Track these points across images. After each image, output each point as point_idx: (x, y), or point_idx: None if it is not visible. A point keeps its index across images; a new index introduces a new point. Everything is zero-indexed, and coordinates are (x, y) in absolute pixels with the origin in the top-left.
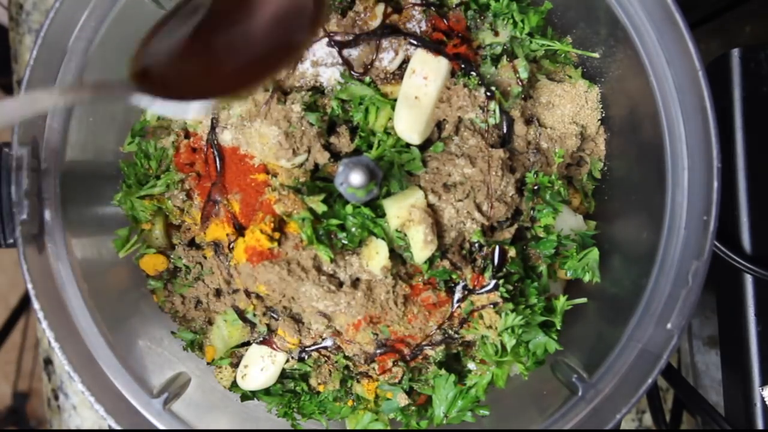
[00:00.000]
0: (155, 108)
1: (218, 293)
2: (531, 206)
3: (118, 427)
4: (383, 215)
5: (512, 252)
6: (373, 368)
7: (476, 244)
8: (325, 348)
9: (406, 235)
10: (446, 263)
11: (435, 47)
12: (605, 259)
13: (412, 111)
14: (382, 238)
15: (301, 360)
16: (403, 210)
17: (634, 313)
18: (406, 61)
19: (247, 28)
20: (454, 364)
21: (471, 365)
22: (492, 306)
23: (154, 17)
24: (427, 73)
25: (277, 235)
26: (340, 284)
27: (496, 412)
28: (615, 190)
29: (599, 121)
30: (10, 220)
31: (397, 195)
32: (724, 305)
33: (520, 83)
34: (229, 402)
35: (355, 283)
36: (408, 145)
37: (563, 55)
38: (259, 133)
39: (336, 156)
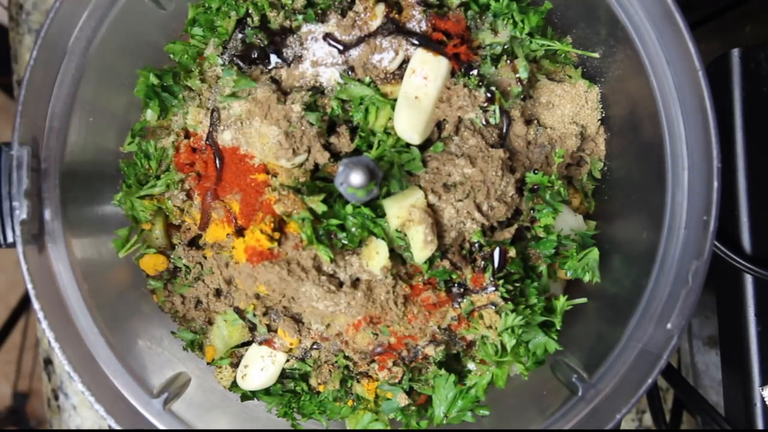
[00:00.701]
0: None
1: (218, 293)
2: (531, 206)
3: (118, 427)
4: (383, 215)
5: (512, 252)
6: (373, 368)
7: (476, 244)
8: (326, 348)
9: (406, 235)
10: (446, 263)
11: (435, 46)
12: (605, 259)
13: (412, 111)
14: (382, 238)
15: (301, 360)
16: (403, 210)
17: (634, 313)
18: (406, 61)
19: None
20: (454, 364)
21: (471, 365)
22: (492, 306)
23: (154, 17)
24: (427, 73)
25: (277, 235)
26: (340, 284)
27: (496, 412)
28: (615, 190)
29: (599, 121)
30: (10, 220)
31: (397, 195)
32: (724, 305)
33: (520, 83)
34: (229, 402)
35: (355, 283)
36: (408, 145)
37: (563, 55)
38: (259, 132)
39: (336, 156)
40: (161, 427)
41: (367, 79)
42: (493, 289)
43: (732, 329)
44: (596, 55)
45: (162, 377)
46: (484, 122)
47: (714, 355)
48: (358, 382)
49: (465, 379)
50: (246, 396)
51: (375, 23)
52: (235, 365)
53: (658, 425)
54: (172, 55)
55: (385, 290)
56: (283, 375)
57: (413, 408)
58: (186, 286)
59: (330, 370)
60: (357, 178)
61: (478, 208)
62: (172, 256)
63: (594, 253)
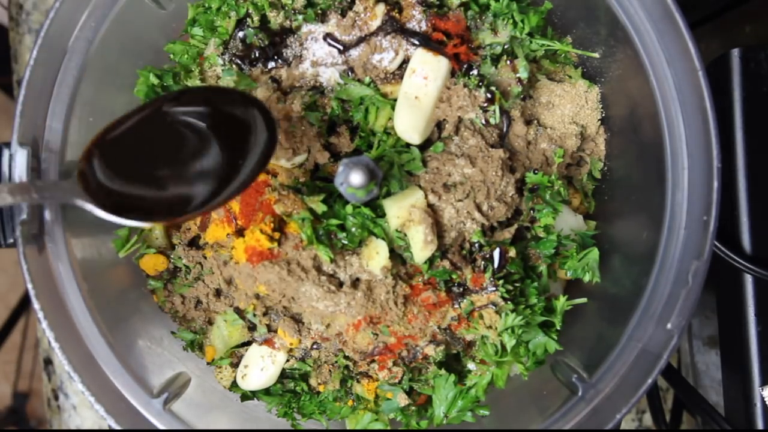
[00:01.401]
0: (96, 213)
1: (218, 293)
2: (531, 206)
3: (118, 427)
4: (383, 215)
5: (512, 252)
6: (373, 368)
7: (476, 244)
8: (326, 348)
9: (406, 235)
10: (446, 263)
11: (435, 46)
12: (605, 259)
13: (412, 111)
14: (382, 238)
15: (301, 360)
16: (403, 210)
17: (634, 313)
18: (406, 61)
19: (200, 163)
20: (454, 364)
21: (471, 365)
22: (492, 306)
23: (154, 17)
24: (427, 73)
25: (277, 235)
26: (340, 284)
27: (496, 412)
28: (615, 190)
29: (599, 121)
30: (10, 220)
31: (397, 195)
32: (724, 305)
33: (520, 83)
34: (229, 402)
35: (355, 283)
36: (408, 145)
37: (563, 55)
38: None
39: (336, 156)
40: (161, 427)
41: (367, 79)
42: (493, 289)
43: (732, 329)
44: (596, 55)
45: (162, 377)
46: (484, 122)
47: (714, 355)
48: (358, 382)
49: (465, 379)
50: (246, 396)
51: (375, 23)
52: (235, 365)
53: (658, 425)
54: (172, 55)
55: (385, 290)
56: (283, 375)
57: (413, 408)
58: (186, 286)
59: (330, 370)
60: (357, 178)
61: (478, 208)
62: (172, 256)
63: (594, 253)
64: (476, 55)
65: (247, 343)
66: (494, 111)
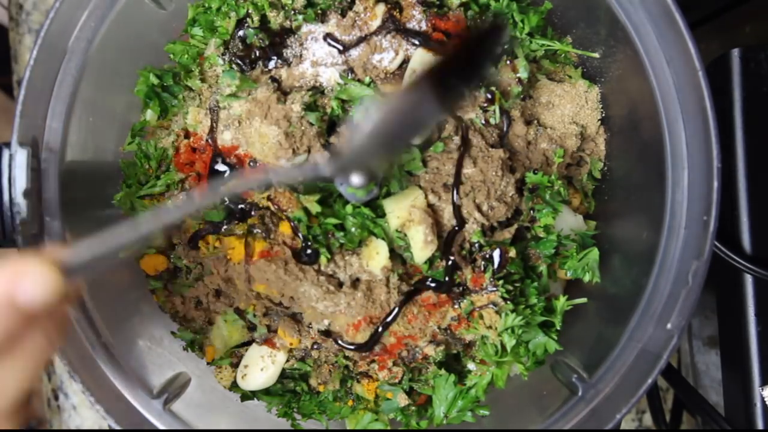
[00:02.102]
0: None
1: (218, 293)
2: (531, 206)
3: (118, 427)
4: (383, 215)
5: (512, 252)
6: (373, 368)
7: (476, 244)
8: (326, 348)
9: (406, 235)
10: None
11: (435, 46)
12: (605, 259)
13: None
14: (382, 238)
15: (301, 360)
16: (403, 210)
17: (634, 313)
18: (406, 61)
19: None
20: (454, 364)
21: (471, 365)
22: (492, 306)
23: (154, 17)
24: None
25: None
26: (340, 284)
27: (496, 412)
28: (615, 190)
29: (599, 121)
30: (10, 220)
31: (397, 195)
32: (724, 305)
33: (520, 83)
34: (229, 402)
35: (355, 283)
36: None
37: (563, 55)
38: (259, 132)
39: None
40: (161, 427)
41: (367, 79)
42: (493, 289)
43: (732, 329)
44: (596, 55)
45: (162, 377)
46: (484, 122)
47: (714, 355)
48: (358, 382)
49: (465, 379)
50: (246, 396)
51: (375, 23)
52: (235, 365)
53: (658, 425)
54: (172, 55)
55: (385, 290)
56: (283, 375)
57: (413, 408)
58: (186, 286)
59: (330, 370)
60: (357, 178)
61: (478, 208)
62: (172, 256)
63: (594, 253)
64: None
65: (247, 343)
66: (494, 111)
